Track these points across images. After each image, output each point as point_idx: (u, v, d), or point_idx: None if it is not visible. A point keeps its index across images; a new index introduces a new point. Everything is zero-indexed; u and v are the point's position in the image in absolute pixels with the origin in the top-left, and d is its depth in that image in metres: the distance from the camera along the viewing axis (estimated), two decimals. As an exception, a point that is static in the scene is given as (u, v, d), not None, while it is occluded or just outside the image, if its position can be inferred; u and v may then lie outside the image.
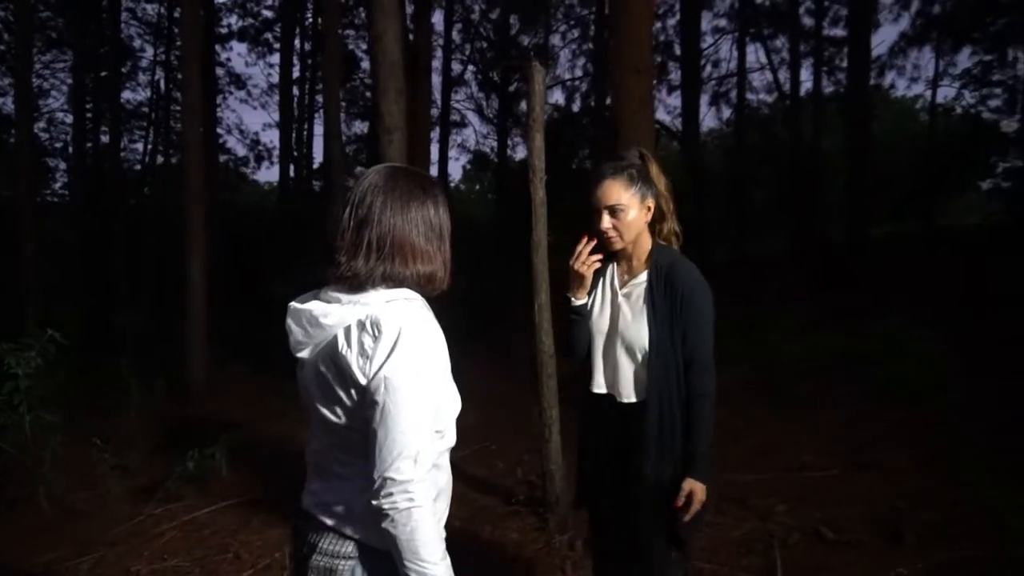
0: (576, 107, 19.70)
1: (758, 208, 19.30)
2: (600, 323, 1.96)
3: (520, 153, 20.72)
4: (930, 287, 9.15)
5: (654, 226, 1.97)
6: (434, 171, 20.56)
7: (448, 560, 1.19)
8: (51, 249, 13.63)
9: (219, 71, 19.68)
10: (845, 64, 15.20)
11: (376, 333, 1.16)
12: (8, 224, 10.71)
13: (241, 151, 21.69)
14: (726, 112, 20.46)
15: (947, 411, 4.67)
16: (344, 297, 1.24)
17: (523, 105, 19.13)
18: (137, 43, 18.86)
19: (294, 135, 19.02)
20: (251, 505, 4.31)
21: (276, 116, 19.43)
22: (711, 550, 2.97)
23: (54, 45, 16.98)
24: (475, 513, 3.80)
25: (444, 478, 1.30)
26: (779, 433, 4.41)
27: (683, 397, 1.84)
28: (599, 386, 1.96)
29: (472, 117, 22.43)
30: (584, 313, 1.97)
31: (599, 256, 1.90)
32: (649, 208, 1.92)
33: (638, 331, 1.86)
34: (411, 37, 9.85)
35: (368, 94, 19.23)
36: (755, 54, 30.89)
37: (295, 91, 19.10)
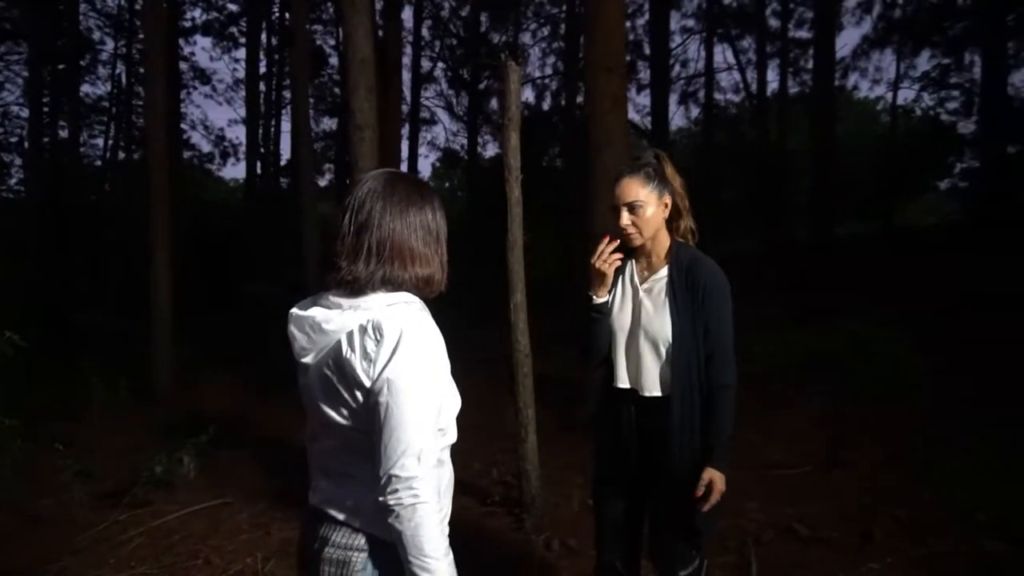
0: (546, 105, 19.75)
1: (726, 207, 19.57)
2: (621, 319, 2.00)
3: (490, 151, 20.73)
4: (894, 287, 9.36)
5: (671, 223, 2.02)
6: (404, 168, 20.46)
7: (451, 556, 1.22)
8: (6, 247, 13.22)
9: (183, 65, 19.27)
10: (810, 65, 15.51)
11: (378, 337, 1.20)
12: (-39, 221, 10.36)
13: (206, 147, 21.31)
14: (695, 111, 20.75)
15: (914, 409, 4.77)
16: (345, 302, 1.26)
17: (493, 103, 19.12)
18: (97, 35, 18.41)
19: (261, 131, 18.74)
20: (222, 509, 4.23)
21: (242, 112, 19.15)
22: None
23: (9, 37, 16.46)
24: (450, 514, 3.77)
25: (447, 475, 1.36)
26: (750, 432, 4.45)
27: (704, 390, 1.88)
28: (622, 381, 1.99)
29: (442, 114, 22.39)
30: (605, 311, 2.01)
31: (620, 255, 1.94)
32: (666, 205, 1.97)
33: (661, 325, 1.91)
34: (380, 33, 9.75)
35: (337, 90, 19.04)
36: (723, 54, 31.22)
37: (262, 87, 18.81)
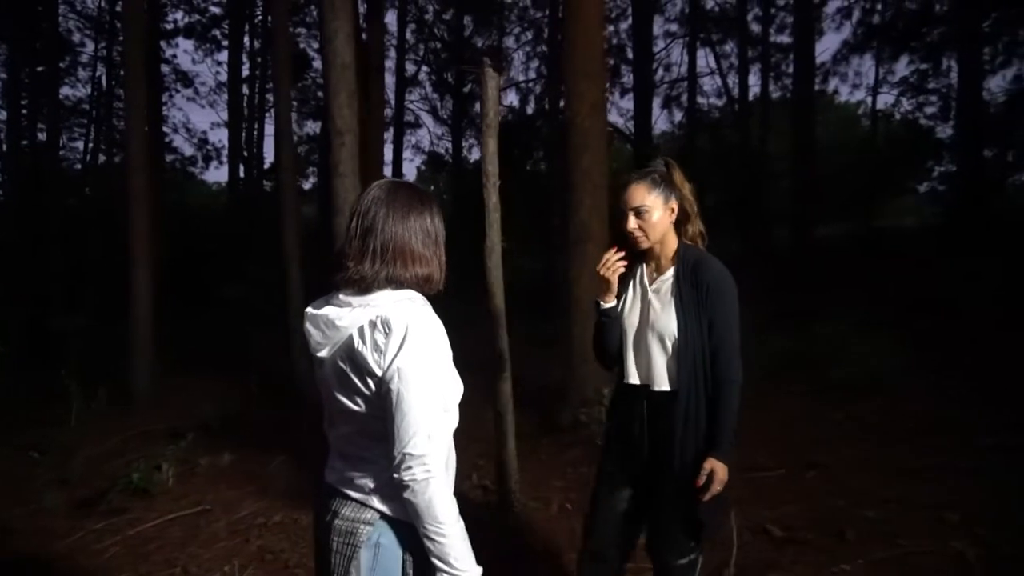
0: (530, 109, 19.79)
1: (709, 210, 19.70)
2: (631, 318, 2.10)
3: (475, 154, 20.73)
4: (872, 288, 9.47)
5: (680, 227, 2.10)
6: (388, 172, 20.39)
7: (462, 523, 1.35)
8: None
9: (165, 68, 19.13)
10: (791, 70, 15.67)
11: (387, 330, 1.33)
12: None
13: (189, 151, 21.13)
14: (678, 115, 20.87)
15: (888, 410, 4.84)
16: (355, 300, 1.40)
17: (478, 107, 19.11)
18: (77, 37, 18.20)
19: (244, 135, 18.63)
20: (200, 516, 4.19)
21: (225, 115, 18.99)
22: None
23: (-14, 38, 16.24)
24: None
25: (450, 452, 1.47)
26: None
27: (710, 384, 1.96)
28: (633, 377, 2.08)
29: (426, 118, 22.34)
30: (614, 315, 2.11)
31: (624, 262, 2.03)
32: (673, 209, 2.06)
33: (668, 321, 1.99)
34: (363, 36, 9.74)
35: (320, 94, 18.93)
36: (705, 59, 31.53)
37: (244, 90, 18.70)
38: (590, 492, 2.24)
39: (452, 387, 1.44)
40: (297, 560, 3.47)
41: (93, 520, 4.22)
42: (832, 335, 6.13)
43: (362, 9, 10.45)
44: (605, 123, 5.18)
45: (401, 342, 1.31)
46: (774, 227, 16.39)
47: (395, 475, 1.31)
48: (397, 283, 1.40)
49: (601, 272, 2.05)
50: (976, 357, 5.87)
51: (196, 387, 8.06)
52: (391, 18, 19.20)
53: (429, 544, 1.32)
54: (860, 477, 3.71)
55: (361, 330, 1.35)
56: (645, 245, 2.06)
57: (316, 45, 18.90)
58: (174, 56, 20.03)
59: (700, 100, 20.32)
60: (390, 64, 19.86)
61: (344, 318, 1.39)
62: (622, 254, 2.03)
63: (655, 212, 2.02)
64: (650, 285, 2.08)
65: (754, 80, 18.68)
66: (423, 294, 1.45)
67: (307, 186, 21.18)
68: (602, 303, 2.11)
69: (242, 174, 18.77)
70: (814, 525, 3.16)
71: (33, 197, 15.31)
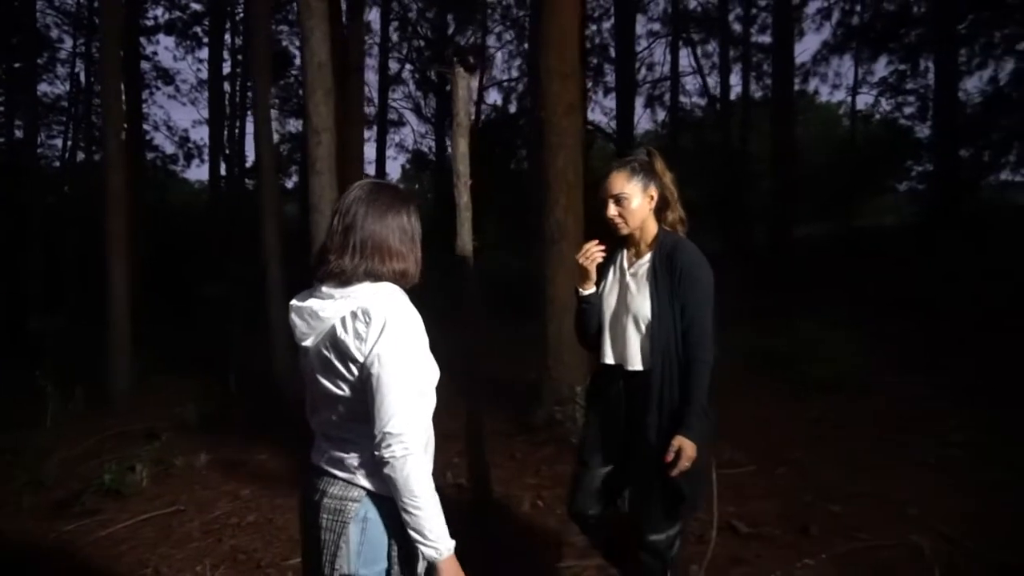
0: (513, 108, 19.79)
1: (692, 209, 19.81)
2: (609, 300, 2.19)
3: (458, 152, 20.66)
4: (851, 288, 9.58)
5: (660, 214, 2.18)
6: (371, 171, 20.31)
7: (437, 497, 1.45)
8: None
9: (145, 65, 18.94)
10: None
11: (367, 320, 1.43)
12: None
13: (170, 148, 20.95)
14: (661, 114, 20.98)
15: (862, 408, 4.91)
16: (337, 292, 1.49)
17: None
18: (55, 33, 17.98)
19: (226, 132, 18.48)
20: (173, 517, 4.17)
21: (206, 113, 18.83)
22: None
23: (-39, 34, 16.01)
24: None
25: (429, 433, 1.56)
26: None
27: (683, 364, 2.03)
28: (609, 357, 2.18)
29: (410, 116, 22.28)
30: (593, 301, 2.21)
31: (603, 252, 2.12)
32: (652, 197, 2.15)
33: (642, 303, 2.08)
34: (344, 33, 9.70)
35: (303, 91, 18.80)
36: (688, 58, 31.68)
37: (226, 87, 18.56)
38: (572, 468, 2.36)
39: (429, 372, 1.53)
40: (269, 560, 3.47)
41: (66, 522, 4.20)
42: (809, 333, 6.20)
43: (344, 6, 10.42)
44: (580, 122, 5.21)
45: (380, 330, 1.41)
46: (755, 226, 16.50)
47: (376, 452, 1.41)
48: (375, 276, 1.50)
49: (580, 261, 2.13)
50: (951, 356, 5.96)
51: (176, 386, 8.01)
52: (375, 16, 19.16)
53: (407, 517, 1.42)
54: (829, 473, 3.77)
55: (343, 320, 1.45)
56: (625, 231, 2.15)
57: (298, 43, 18.79)
58: (155, 53, 19.90)
59: (683, 100, 20.46)
60: (373, 62, 19.84)
61: (327, 309, 1.49)
62: (603, 248, 2.11)
63: (634, 199, 2.11)
64: (629, 269, 2.17)
65: (736, 80, 18.81)
66: (400, 287, 1.54)
67: (290, 184, 21.06)
68: (581, 291, 2.20)
69: (223, 172, 18.62)
70: (781, 520, 3.21)
71: (11, 195, 15.13)
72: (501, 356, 7.32)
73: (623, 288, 2.16)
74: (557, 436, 4.62)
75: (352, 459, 1.51)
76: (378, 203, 1.54)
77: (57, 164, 18.88)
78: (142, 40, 18.32)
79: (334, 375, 1.49)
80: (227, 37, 18.56)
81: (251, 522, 3.99)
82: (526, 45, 18.94)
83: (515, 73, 20.23)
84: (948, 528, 2.96)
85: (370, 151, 20.16)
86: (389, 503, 1.46)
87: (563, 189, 4.86)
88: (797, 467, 3.93)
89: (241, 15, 18.60)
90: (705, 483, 2.20)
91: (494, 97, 19.46)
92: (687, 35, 19.22)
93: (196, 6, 18.89)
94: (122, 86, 8.18)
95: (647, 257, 2.13)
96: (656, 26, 20.03)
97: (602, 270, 2.22)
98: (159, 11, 18.86)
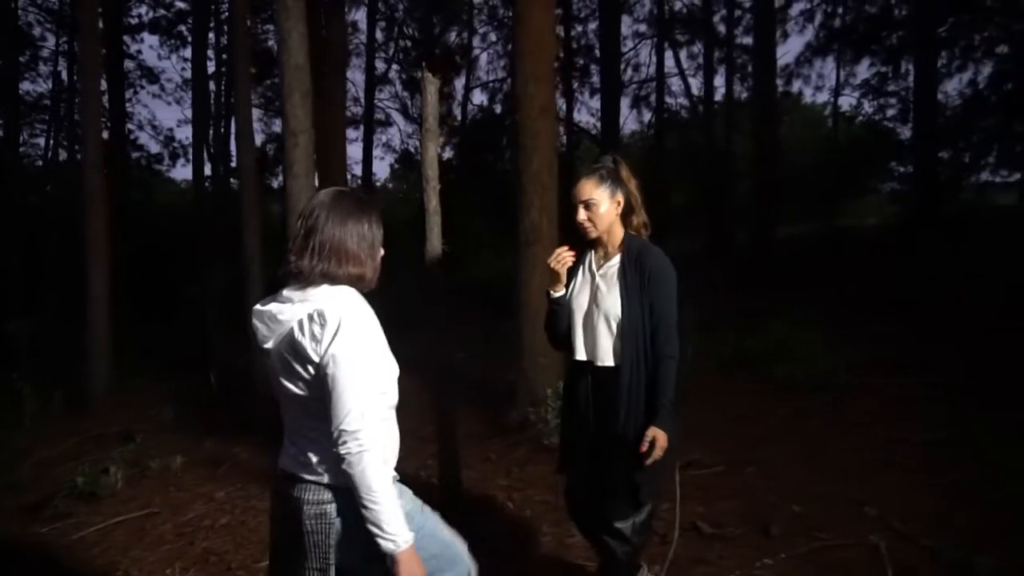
0: (499, 108, 19.81)
1: (677, 210, 19.93)
2: (580, 300, 2.31)
3: (446, 153, 20.68)
4: (831, 288, 9.67)
5: (626, 218, 2.30)
6: (357, 171, 20.29)
7: (394, 493, 1.51)
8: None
9: (130, 64, 18.80)
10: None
11: (322, 321, 1.49)
12: None
13: (155, 148, 20.77)
14: (647, 115, 21.05)
15: (833, 408, 4.95)
16: (295, 296, 1.57)
17: (446, 106, 19.08)
18: (38, 31, 17.82)
19: (212, 131, 18.38)
20: (147, 519, 4.18)
21: (191, 112, 18.70)
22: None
23: (-59, 32, 15.84)
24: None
25: (391, 430, 1.63)
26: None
27: (651, 360, 2.17)
28: (580, 354, 2.30)
29: (397, 116, 22.24)
30: (563, 303, 2.34)
31: (572, 256, 2.25)
32: (619, 203, 2.27)
33: (612, 303, 2.21)
34: (324, 33, 9.68)
35: (288, 91, 18.68)
36: (674, 59, 31.81)
37: (212, 86, 18.45)
38: (556, 469, 2.52)
39: (387, 370, 1.59)
40: (240, 562, 3.48)
41: (40, 524, 4.20)
42: (785, 333, 6.27)
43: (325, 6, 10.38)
44: (555, 126, 5.24)
45: (335, 331, 1.47)
46: (739, 227, 16.61)
47: (334, 449, 1.47)
48: (331, 279, 1.56)
49: (551, 265, 2.25)
50: (927, 357, 6.01)
51: (155, 388, 7.99)
52: (361, 15, 19.13)
53: (364, 512, 1.47)
54: (795, 473, 3.82)
55: (300, 323, 1.52)
56: (594, 235, 2.27)
57: (283, 42, 18.67)
58: (139, 52, 19.78)
59: (669, 100, 20.53)
60: (360, 62, 19.80)
61: (285, 312, 1.56)
62: (573, 252, 2.25)
63: (602, 205, 2.23)
64: (598, 270, 2.29)
65: (720, 81, 18.91)
66: (357, 290, 1.60)
67: (276, 184, 20.95)
68: (552, 293, 2.34)
69: (209, 171, 18.50)
70: (743, 521, 3.25)
71: (-8, 194, 15.00)
72: (479, 357, 7.36)
73: (593, 288, 2.28)
74: (531, 437, 4.65)
75: (316, 458, 1.57)
76: (340, 209, 1.60)
77: (40, 163, 18.71)
78: (126, 38, 18.22)
79: (294, 376, 1.55)
80: (212, 36, 18.44)
81: (224, 524, 4.00)
82: (512, 46, 18.96)
83: (501, 73, 20.25)
84: (906, 527, 3.00)
85: (356, 151, 20.07)
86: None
87: (537, 192, 4.90)
88: (764, 467, 3.97)
89: (226, 14, 18.51)
90: (668, 471, 2.38)
91: (480, 98, 19.43)
92: (672, 36, 19.30)
93: (181, 4, 18.76)
94: (103, 86, 8.15)
95: (616, 259, 2.26)
96: (642, 27, 20.14)
97: (571, 272, 2.33)
98: (143, 9, 18.74)
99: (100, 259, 7.57)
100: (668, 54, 19.47)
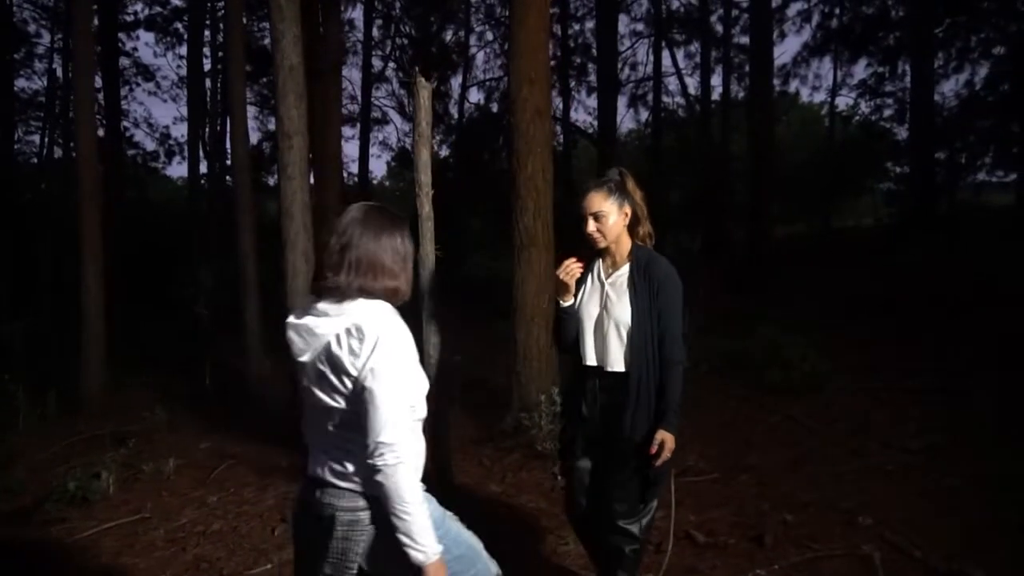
0: (495, 107, 19.75)
1: (674, 209, 19.93)
2: (590, 308, 2.37)
3: (443, 151, 20.64)
4: (824, 288, 9.67)
5: (632, 229, 2.39)
6: (354, 169, 20.26)
7: (426, 504, 1.54)
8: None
9: (125, 61, 18.72)
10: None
11: (361, 336, 1.53)
12: None
13: (150, 145, 20.68)
14: (644, 114, 21.02)
15: (824, 413, 4.96)
16: (332, 310, 1.59)
17: (441, 105, 19.03)
18: (32, 28, 17.72)
19: (208, 129, 18.31)
20: (139, 524, 4.15)
21: (186, 110, 18.61)
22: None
23: (-65, 28, 15.75)
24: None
25: (418, 442, 1.66)
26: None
27: (658, 366, 2.24)
28: (590, 359, 2.37)
29: (394, 115, 22.18)
30: (572, 312, 2.40)
31: (580, 267, 2.32)
32: (626, 214, 2.35)
33: (623, 310, 2.28)
34: (320, 31, 9.64)
35: (284, 89, 18.61)
36: (671, 58, 31.82)
37: (208, 84, 18.37)
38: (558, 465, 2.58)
39: (418, 385, 1.62)
40: (232, 569, 3.46)
41: (30, 530, 4.16)
42: (778, 336, 6.25)
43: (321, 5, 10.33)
44: (550, 129, 5.22)
45: (373, 346, 1.51)
46: (735, 226, 16.60)
47: (369, 461, 1.50)
48: (368, 293, 1.60)
49: (560, 276, 2.31)
50: (920, 359, 6.01)
51: (150, 389, 7.95)
52: (358, 13, 19.06)
53: (396, 522, 1.50)
54: (787, 480, 3.81)
55: (338, 336, 1.55)
56: (603, 245, 2.34)
57: (280, 41, 18.60)
58: (135, 49, 19.67)
59: (666, 99, 20.51)
60: (357, 60, 19.74)
61: (322, 326, 1.59)
62: (580, 264, 2.31)
63: (611, 216, 2.31)
64: (607, 279, 2.36)
65: (718, 80, 18.92)
66: (392, 304, 1.64)
67: (272, 182, 20.89)
68: (561, 302, 2.41)
69: (205, 169, 18.45)
70: (736, 529, 3.25)
71: (-14, 192, 14.92)
72: (477, 360, 7.33)
73: (603, 296, 2.35)
74: (523, 443, 4.63)
75: (352, 467, 1.60)
76: (373, 224, 1.64)
77: (34, 161, 18.62)
78: (122, 36, 18.12)
79: (330, 388, 1.58)
80: (207, 33, 18.37)
81: (216, 530, 3.97)
82: (507, 47, 18.91)
83: (498, 72, 20.19)
84: (898, 537, 3.00)
85: (353, 149, 20.08)
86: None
87: (532, 195, 4.88)
88: (758, 475, 3.96)
89: (222, 12, 18.42)
90: (669, 470, 2.43)
91: (477, 96, 19.41)
92: (669, 36, 19.27)
93: (176, 1, 18.68)
94: (98, 83, 8.09)
95: (624, 268, 2.34)
96: (639, 26, 20.10)
97: (580, 281, 2.40)
98: (139, 6, 18.68)
99: (94, 258, 7.52)
100: (665, 53, 19.47)
